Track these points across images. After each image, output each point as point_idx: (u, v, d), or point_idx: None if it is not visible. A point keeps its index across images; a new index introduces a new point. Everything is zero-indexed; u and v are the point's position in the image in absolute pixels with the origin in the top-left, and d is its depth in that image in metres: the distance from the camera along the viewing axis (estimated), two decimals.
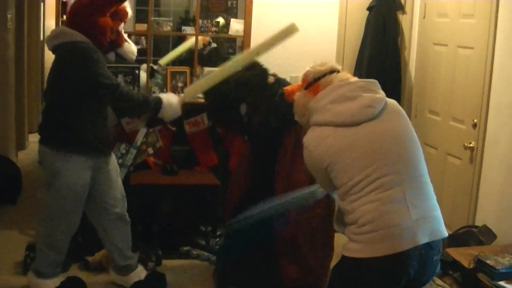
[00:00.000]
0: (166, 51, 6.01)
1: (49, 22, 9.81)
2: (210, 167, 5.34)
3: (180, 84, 5.38)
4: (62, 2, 11.00)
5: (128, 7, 4.06)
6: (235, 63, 4.13)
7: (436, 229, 2.64)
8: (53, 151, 3.88)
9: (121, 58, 4.12)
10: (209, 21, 5.69)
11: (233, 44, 6.15)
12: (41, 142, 3.97)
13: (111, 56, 4.02)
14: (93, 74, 3.75)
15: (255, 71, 4.30)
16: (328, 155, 2.68)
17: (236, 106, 4.26)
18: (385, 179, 2.57)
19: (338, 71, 2.91)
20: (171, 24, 6.00)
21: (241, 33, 5.42)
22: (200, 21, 5.49)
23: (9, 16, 7.10)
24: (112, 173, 4.16)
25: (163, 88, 5.49)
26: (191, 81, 5.29)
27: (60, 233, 4.04)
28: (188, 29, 5.98)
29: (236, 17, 5.90)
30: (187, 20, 6.50)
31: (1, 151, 6.51)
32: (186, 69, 5.49)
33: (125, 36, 4.11)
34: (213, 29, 5.67)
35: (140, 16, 6.31)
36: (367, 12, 5.54)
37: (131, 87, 5.26)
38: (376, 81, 2.84)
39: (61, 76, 3.87)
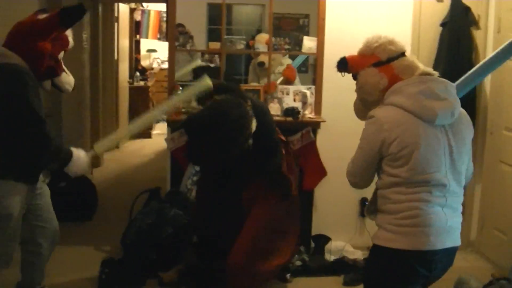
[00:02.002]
0: (239, 69, 6.10)
1: (123, 41, 10.07)
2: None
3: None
4: (135, 22, 11.26)
5: (70, 36, 3.82)
6: (149, 117, 4.25)
7: (457, 237, 2.88)
8: None
9: (57, 88, 3.87)
10: (281, 38, 5.74)
11: (305, 62, 6.17)
12: None
13: (47, 84, 3.76)
14: (23, 101, 3.47)
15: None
16: (400, 140, 2.73)
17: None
18: (440, 187, 2.77)
19: (405, 53, 2.99)
20: (244, 42, 6.08)
21: (314, 51, 5.42)
22: (273, 39, 5.54)
23: (84, 36, 7.32)
24: (45, 200, 3.99)
25: None
26: (264, 98, 5.32)
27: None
28: (260, 47, 6.05)
29: (308, 35, 5.93)
30: None
31: None
32: (260, 87, 5.52)
33: (64, 66, 3.83)
34: (286, 46, 5.72)
35: (213, 35, 6.42)
36: (441, 28, 5.50)
37: None
38: (454, 85, 2.94)
39: None
